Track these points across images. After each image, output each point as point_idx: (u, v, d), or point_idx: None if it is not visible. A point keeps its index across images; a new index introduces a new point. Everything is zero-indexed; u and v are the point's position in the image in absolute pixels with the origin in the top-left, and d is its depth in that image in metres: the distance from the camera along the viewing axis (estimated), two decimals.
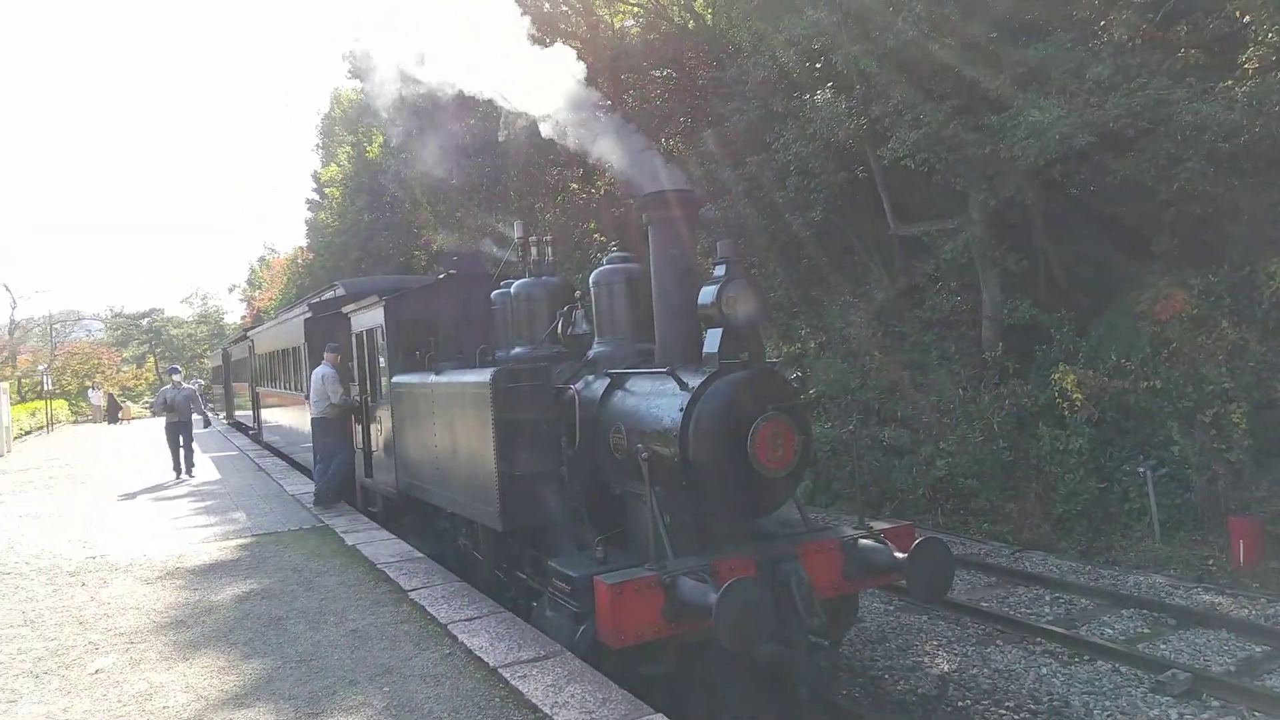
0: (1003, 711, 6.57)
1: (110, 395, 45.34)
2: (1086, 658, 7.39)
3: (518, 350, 8.02)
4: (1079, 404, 11.30)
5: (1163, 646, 7.58)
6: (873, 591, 8.96)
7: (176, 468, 15.25)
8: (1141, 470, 10.46)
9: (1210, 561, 9.55)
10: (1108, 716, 6.39)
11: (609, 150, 6.65)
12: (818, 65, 14.23)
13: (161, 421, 15.99)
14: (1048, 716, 6.47)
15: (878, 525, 6.11)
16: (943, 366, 13.52)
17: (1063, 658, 7.46)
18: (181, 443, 15.28)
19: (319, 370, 10.94)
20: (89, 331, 66.67)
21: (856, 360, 14.55)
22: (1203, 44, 10.65)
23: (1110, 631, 8.02)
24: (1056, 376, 11.53)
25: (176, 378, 16.22)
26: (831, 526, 6.44)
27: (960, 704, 6.73)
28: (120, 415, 39.71)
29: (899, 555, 5.55)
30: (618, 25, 23.17)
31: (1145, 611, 8.37)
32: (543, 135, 7.22)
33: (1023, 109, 10.73)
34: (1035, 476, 11.59)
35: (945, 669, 7.37)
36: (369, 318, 10.05)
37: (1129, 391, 11.02)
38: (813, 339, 15.81)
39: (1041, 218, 13.02)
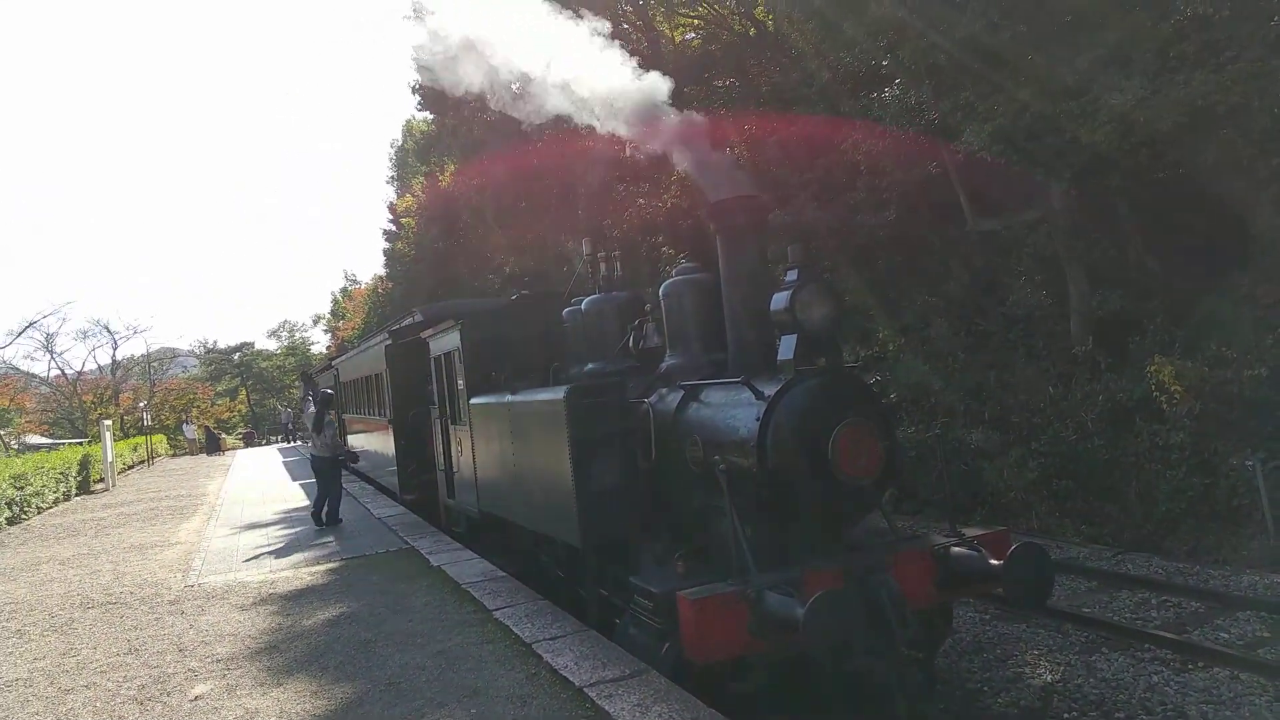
0: None
1: (207, 428, 47.45)
2: (1201, 664, 6.95)
3: (590, 366, 8.02)
4: (1178, 397, 10.75)
5: None
6: (967, 601, 8.63)
7: (332, 513, 12.51)
8: (1250, 464, 9.85)
9: None
10: None
11: (681, 157, 6.61)
12: (885, 61, 13.97)
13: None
14: None
15: (970, 531, 5.88)
16: (1030, 364, 13.05)
17: (1175, 665, 7.04)
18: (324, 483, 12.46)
19: None
20: (184, 368, 69.58)
21: (938, 361, 14.16)
22: None
23: (1226, 636, 7.54)
24: (1153, 369, 11.00)
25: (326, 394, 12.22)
26: (922, 535, 6.22)
27: (1066, 716, 6.41)
28: (220, 446, 41.58)
29: (994, 562, 5.32)
30: (679, 39, 23.21)
31: (1263, 614, 7.84)
32: (610, 131, 7.18)
33: (1102, 93, 10.30)
34: (1134, 474, 11.05)
35: (1048, 679, 7.03)
36: (446, 341, 10.20)
37: (1232, 381, 10.42)
38: (891, 341, 15.45)
39: (1128, 205, 12.48)
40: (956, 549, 5.57)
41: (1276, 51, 9.70)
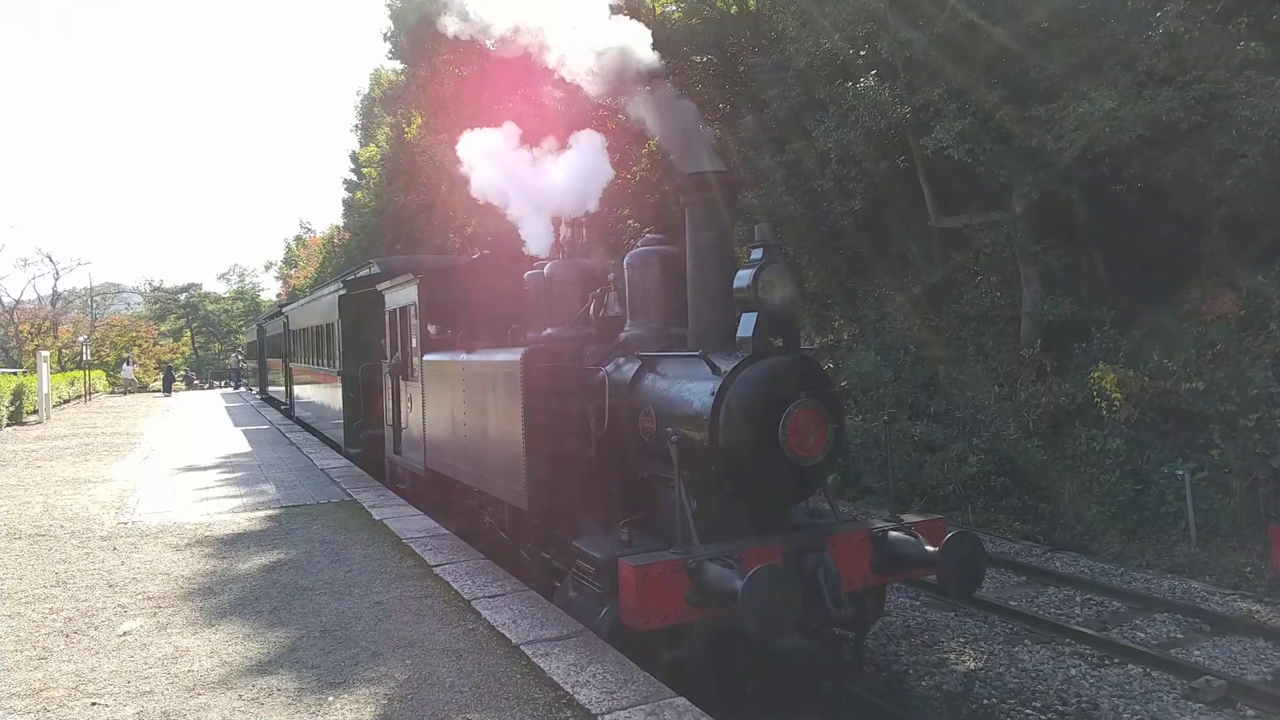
0: (1029, 711, 6.46)
1: (168, 368, 46.38)
2: (1117, 661, 7.24)
3: (549, 331, 7.98)
4: (1118, 404, 11.07)
5: (1196, 653, 7.41)
6: (898, 586, 8.84)
7: None
8: (1180, 473, 10.22)
9: (1248, 569, 9.31)
10: None
11: (655, 125, 6.57)
12: (862, 51, 14.02)
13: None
14: (1075, 718, 6.35)
15: (908, 518, 6.00)
16: (979, 362, 13.32)
17: (1092, 660, 7.32)
18: None
19: None
20: (128, 305, 67.78)
21: (890, 353, 14.38)
22: (1265, 37, 10.31)
23: (1142, 635, 7.85)
24: (1096, 375, 11.30)
25: None
26: (861, 518, 6.34)
27: (985, 702, 6.63)
28: (172, 388, 40.64)
29: (930, 549, 5.45)
30: (659, 10, 23.00)
31: (1179, 616, 8.19)
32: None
33: (1072, 99, 10.47)
34: (1070, 476, 11.38)
35: (971, 666, 7.26)
36: (403, 295, 10.08)
37: (1170, 393, 10.77)
38: (846, 330, 15.65)
39: (1086, 213, 12.75)
40: (894, 533, 5.69)
41: (1239, 75, 9.94)
